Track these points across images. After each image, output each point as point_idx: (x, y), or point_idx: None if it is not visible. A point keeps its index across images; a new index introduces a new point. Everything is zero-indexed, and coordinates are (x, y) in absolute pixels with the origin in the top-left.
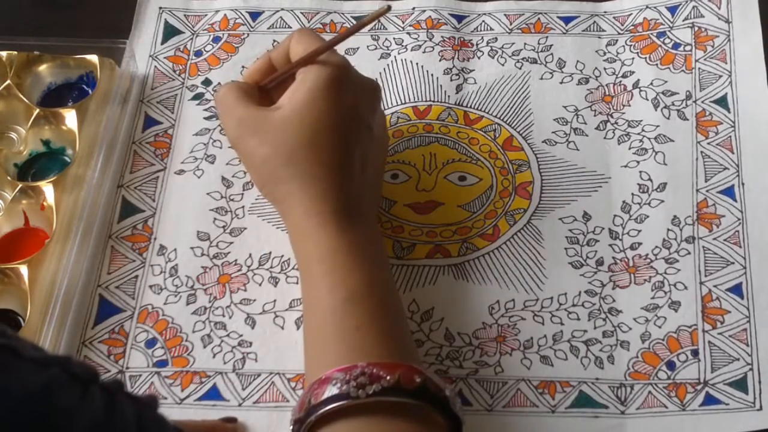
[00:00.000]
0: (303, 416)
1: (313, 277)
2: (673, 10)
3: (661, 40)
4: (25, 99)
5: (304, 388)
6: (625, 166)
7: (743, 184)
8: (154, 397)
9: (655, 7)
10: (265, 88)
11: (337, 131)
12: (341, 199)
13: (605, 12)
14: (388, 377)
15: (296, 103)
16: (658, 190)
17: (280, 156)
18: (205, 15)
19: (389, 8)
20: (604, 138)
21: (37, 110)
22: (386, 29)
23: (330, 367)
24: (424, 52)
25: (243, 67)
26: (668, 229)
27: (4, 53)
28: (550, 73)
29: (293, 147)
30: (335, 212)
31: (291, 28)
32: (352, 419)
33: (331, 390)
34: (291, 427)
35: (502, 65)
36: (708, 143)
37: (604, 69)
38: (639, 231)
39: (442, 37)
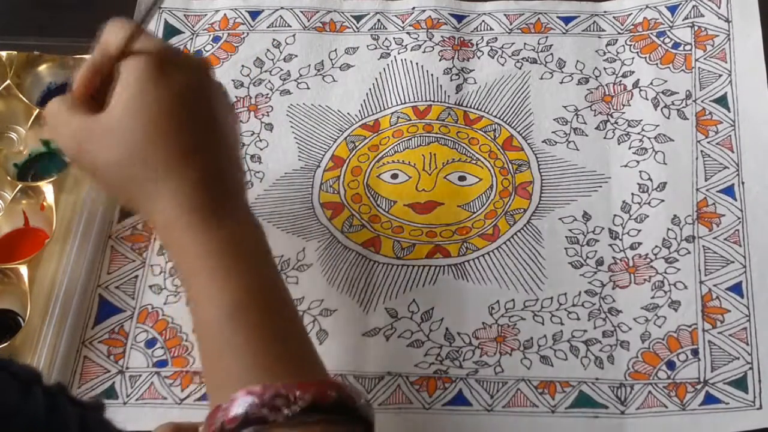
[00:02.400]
0: None
1: (192, 290)
2: (673, 9)
3: (661, 39)
4: (24, 99)
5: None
6: (625, 166)
7: (743, 183)
8: (99, 402)
9: (655, 7)
10: (97, 97)
11: (175, 118)
12: (200, 192)
13: (605, 12)
14: (304, 396)
15: (124, 99)
16: (658, 189)
17: (122, 158)
18: (205, 15)
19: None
20: (604, 138)
21: (37, 110)
22: (386, 29)
23: (233, 386)
24: (424, 52)
25: (243, 66)
26: (668, 229)
27: (4, 53)
28: (550, 73)
29: (131, 146)
30: (197, 210)
31: (291, 26)
32: None
33: (247, 413)
34: None
35: (502, 65)
36: (708, 142)
37: (604, 69)
38: (639, 231)
39: (442, 37)
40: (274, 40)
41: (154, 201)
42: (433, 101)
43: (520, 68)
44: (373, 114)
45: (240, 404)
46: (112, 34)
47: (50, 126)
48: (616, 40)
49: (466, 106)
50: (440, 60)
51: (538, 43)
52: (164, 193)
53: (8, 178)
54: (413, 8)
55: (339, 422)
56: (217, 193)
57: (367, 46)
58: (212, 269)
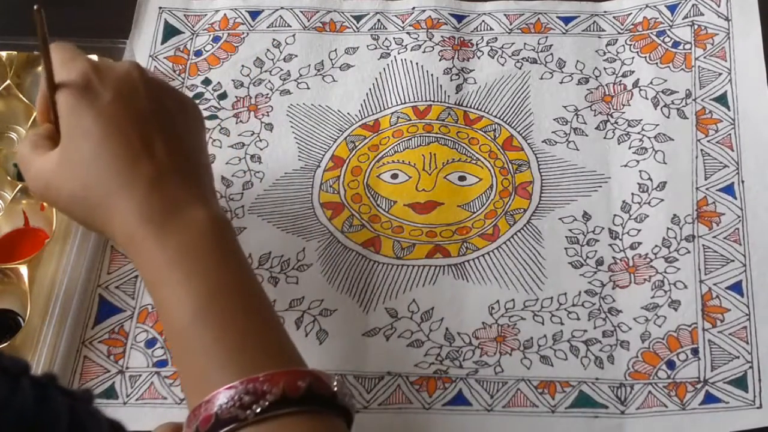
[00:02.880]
0: None
1: (158, 301)
2: (672, 8)
3: (661, 38)
4: (24, 99)
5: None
6: (625, 166)
7: (743, 181)
8: (88, 391)
9: (654, 6)
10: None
11: (114, 136)
12: (149, 204)
13: (605, 12)
14: (272, 390)
15: (66, 131)
16: (658, 189)
17: (76, 190)
18: (205, 15)
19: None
20: (604, 138)
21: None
22: (386, 29)
23: (208, 387)
24: (424, 51)
25: (243, 66)
26: (668, 228)
27: (4, 53)
28: (550, 73)
29: (81, 175)
30: (147, 222)
31: (290, 26)
32: None
33: (217, 413)
34: None
35: (502, 65)
36: (708, 141)
37: (604, 69)
38: (639, 230)
39: (442, 36)
40: (274, 40)
41: (112, 218)
42: (433, 101)
43: (520, 68)
44: (373, 114)
45: (212, 406)
46: (56, 61)
47: (21, 171)
48: (616, 39)
49: (466, 106)
50: (440, 60)
51: (538, 43)
52: (119, 208)
53: (8, 178)
54: (413, 8)
55: (313, 412)
56: (169, 197)
57: (367, 46)
58: (172, 277)
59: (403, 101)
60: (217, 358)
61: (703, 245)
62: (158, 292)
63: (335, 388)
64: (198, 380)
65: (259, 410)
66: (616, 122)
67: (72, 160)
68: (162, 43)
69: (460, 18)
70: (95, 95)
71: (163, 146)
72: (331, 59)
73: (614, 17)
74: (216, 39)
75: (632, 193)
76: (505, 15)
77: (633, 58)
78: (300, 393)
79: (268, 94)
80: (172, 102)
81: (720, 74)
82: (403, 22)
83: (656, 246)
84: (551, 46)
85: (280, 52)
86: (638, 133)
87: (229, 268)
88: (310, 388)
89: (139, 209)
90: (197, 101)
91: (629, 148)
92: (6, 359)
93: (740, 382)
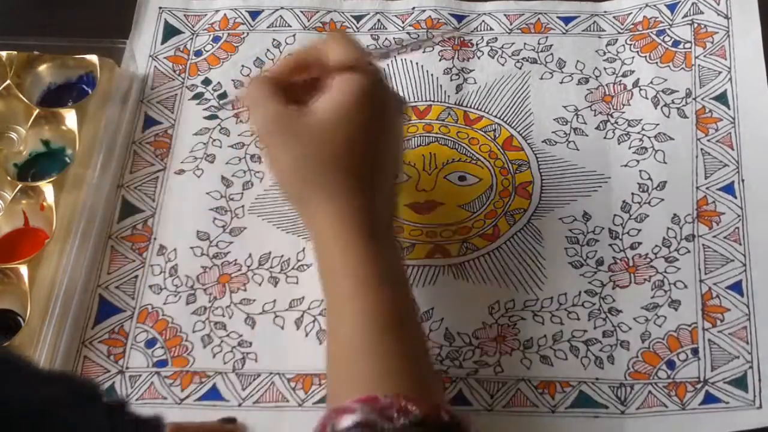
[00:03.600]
0: None
1: (339, 294)
2: (672, 7)
3: (661, 38)
4: (24, 99)
5: (326, 405)
6: (625, 166)
7: (743, 180)
8: (158, 418)
9: (654, 5)
10: (292, 87)
11: (371, 144)
12: (371, 217)
13: (605, 12)
14: (416, 410)
15: (332, 111)
16: (658, 188)
17: (310, 162)
18: (205, 15)
19: (457, 29)
20: (604, 138)
21: (37, 110)
22: (386, 29)
23: (356, 392)
24: (424, 52)
25: (243, 66)
26: (668, 228)
27: (4, 53)
28: (550, 73)
29: (325, 156)
30: (364, 231)
31: (290, 26)
32: None
33: (356, 418)
34: None
35: (502, 65)
36: (708, 140)
37: (604, 69)
38: (639, 230)
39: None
40: (274, 40)
41: (322, 207)
42: (433, 101)
43: (520, 68)
44: None
45: (354, 408)
46: (339, 48)
47: (249, 104)
48: (616, 39)
49: (466, 106)
50: (440, 60)
51: (538, 43)
52: (332, 205)
53: (8, 178)
54: (413, 8)
55: None
56: (380, 218)
57: (367, 46)
58: (360, 283)
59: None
60: (379, 367)
61: (703, 245)
62: (341, 291)
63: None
64: (352, 383)
65: (398, 425)
66: (616, 122)
67: (319, 132)
68: (162, 43)
69: (460, 18)
70: (375, 99)
71: (386, 176)
72: None
73: (614, 17)
74: (216, 39)
75: (632, 193)
76: (505, 15)
77: (633, 57)
78: (440, 423)
79: None
80: (401, 140)
81: (720, 73)
82: (403, 22)
83: (656, 246)
84: (551, 46)
85: (281, 52)
86: (638, 132)
87: (407, 289)
88: (453, 423)
89: (352, 218)
90: (197, 101)
91: (629, 147)
92: (77, 384)
93: (740, 382)
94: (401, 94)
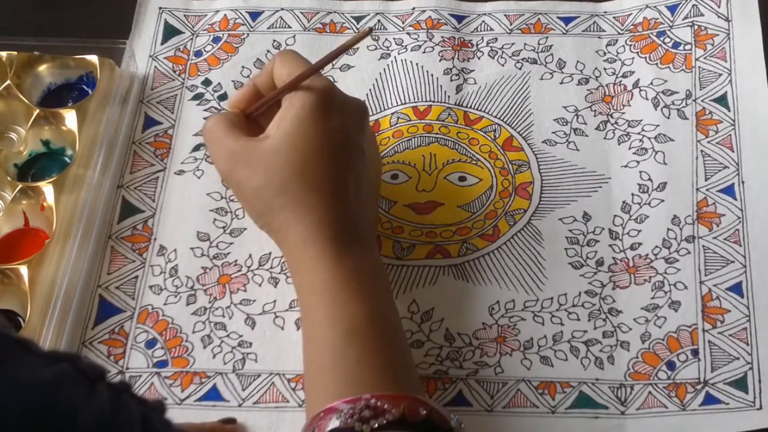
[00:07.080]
0: None
1: (312, 308)
2: (672, 9)
3: (661, 39)
4: (25, 99)
5: (306, 421)
6: (625, 166)
7: (743, 182)
8: (161, 402)
9: (654, 7)
10: (251, 116)
11: (328, 157)
12: (337, 227)
13: (605, 12)
14: (392, 410)
15: (284, 130)
16: (658, 189)
17: (273, 186)
18: (205, 15)
19: (371, 30)
20: (604, 138)
21: (37, 110)
22: (386, 29)
23: (331, 399)
24: (424, 52)
25: (243, 67)
26: (668, 229)
27: (4, 53)
28: (550, 73)
29: (285, 176)
30: (331, 241)
31: (291, 27)
32: None
33: (334, 423)
34: None
35: (502, 65)
36: (708, 142)
37: (604, 69)
38: (639, 231)
39: (442, 37)
40: (274, 41)
41: (294, 223)
42: (433, 101)
43: (520, 68)
44: (373, 114)
45: (332, 412)
46: (285, 68)
47: (206, 142)
48: (616, 40)
49: (466, 107)
50: (440, 60)
51: (538, 44)
52: (303, 222)
53: (8, 178)
54: (413, 9)
55: None
56: (350, 229)
57: (368, 46)
58: (335, 294)
59: (403, 101)
60: (354, 376)
61: (704, 246)
62: (316, 302)
63: (453, 424)
64: (328, 391)
65: (376, 426)
66: (616, 123)
67: (275, 158)
68: (162, 43)
69: (460, 18)
70: (328, 114)
71: (357, 187)
72: None
73: (614, 17)
74: (216, 39)
75: (632, 194)
76: (505, 15)
77: (633, 58)
78: (419, 419)
79: None
80: (374, 151)
81: (720, 75)
82: (403, 23)
83: (656, 247)
84: (551, 46)
85: None
86: (638, 133)
87: (382, 298)
88: (430, 418)
89: (328, 225)
90: (197, 102)
91: (629, 148)
92: (83, 364)
93: (740, 384)
94: (401, 94)
